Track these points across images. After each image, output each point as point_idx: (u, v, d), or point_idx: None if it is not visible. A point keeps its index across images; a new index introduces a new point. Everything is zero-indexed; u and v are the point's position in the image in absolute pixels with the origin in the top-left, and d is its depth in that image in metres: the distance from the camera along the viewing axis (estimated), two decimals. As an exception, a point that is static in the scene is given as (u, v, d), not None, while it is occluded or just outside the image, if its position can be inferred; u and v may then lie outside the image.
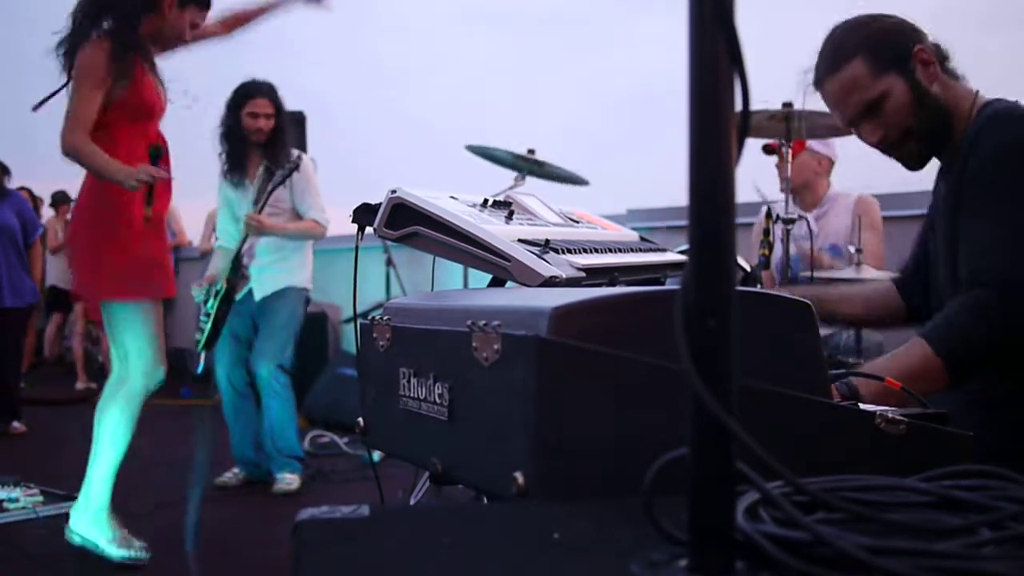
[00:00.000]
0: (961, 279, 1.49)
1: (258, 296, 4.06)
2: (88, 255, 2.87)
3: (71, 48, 2.86)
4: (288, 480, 3.96)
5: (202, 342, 3.77)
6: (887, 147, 1.66)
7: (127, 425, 2.83)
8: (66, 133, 2.79)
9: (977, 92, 1.64)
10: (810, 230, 2.90)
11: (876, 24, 1.63)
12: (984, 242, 1.46)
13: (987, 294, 1.41)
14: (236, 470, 4.11)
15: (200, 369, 4.01)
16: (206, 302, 3.82)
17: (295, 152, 4.08)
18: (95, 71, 2.80)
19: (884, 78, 1.59)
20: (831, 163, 3.46)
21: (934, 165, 1.71)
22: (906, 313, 1.81)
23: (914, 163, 1.67)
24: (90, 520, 2.78)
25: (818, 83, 1.67)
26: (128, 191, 2.77)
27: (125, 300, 2.84)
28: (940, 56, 1.64)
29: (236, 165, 4.07)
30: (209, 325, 3.76)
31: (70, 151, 2.79)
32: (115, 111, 2.84)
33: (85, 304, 3.05)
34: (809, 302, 1.00)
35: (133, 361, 2.84)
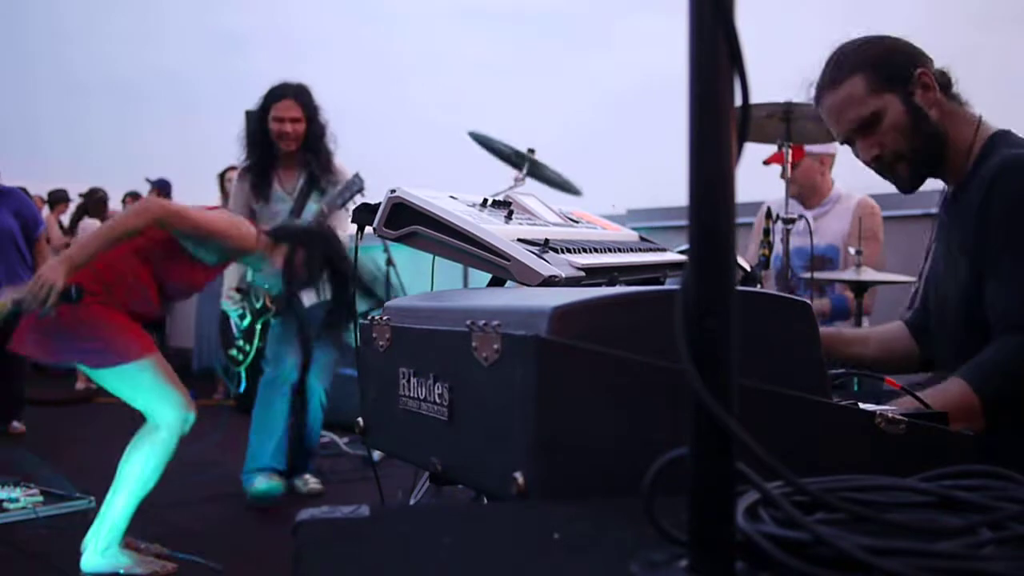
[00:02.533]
0: (989, 317, 1.48)
1: (307, 303, 3.83)
2: (63, 329, 2.69)
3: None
4: (316, 480, 3.94)
5: (247, 362, 3.66)
6: (879, 167, 1.67)
7: (157, 468, 2.78)
8: (168, 207, 2.75)
9: (980, 119, 1.63)
10: (810, 229, 2.90)
11: (881, 44, 1.63)
12: (1021, 286, 1.46)
13: None
14: (272, 475, 3.72)
15: (243, 387, 3.89)
16: (242, 317, 3.68)
17: (340, 167, 3.82)
18: (222, 229, 2.79)
19: (882, 96, 1.59)
20: (832, 158, 3.46)
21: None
22: (919, 355, 1.79)
23: (905, 186, 1.67)
24: (103, 552, 2.77)
25: (818, 97, 1.67)
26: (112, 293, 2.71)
27: (114, 366, 2.74)
28: (944, 82, 1.63)
29: (263, 178, 3.77)
30: (255, 347, 3.65)
31: (154, 213, 2.71)
32: (153, 244, 2.78)
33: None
34: (809, 302, 1.00)
35: (162, 414, 2.77)
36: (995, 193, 1.50)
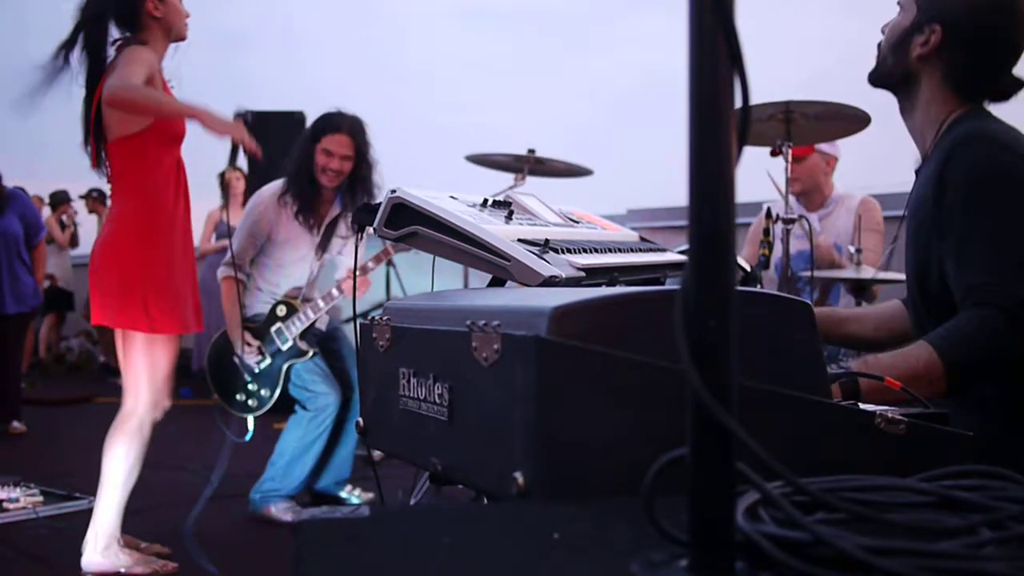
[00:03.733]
0: (957, 294, 1.49)
1: (324, 327, 3.64)
2: (119, 281, 2.74)
3: (95, 55, 2.74)
4: (358, 489, 3.76)
5: (263, 410, 3.37)
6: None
7: (135, 459, 2.79)
8: (119, 80, 2.59)
9: (967, 105, 1.63)
10: (810, 229, 2.89)
11: None
12: (988, 263, 1.46)
13: (997, 315, 1.42)
14: (290, 503, 3.50)
15: (251, 436, 3.41)
16: (260, 361, 3.40)
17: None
18: (146, 64, 2.69)
19: (915, 4, 1.63)
20: (836, 161, 3.47)
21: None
22: None
23: (870, 71, 1.72)
24: (102, 552, 2.77)
25: None
26: (166, 213, 2.72)
27: (152, 333, 2.77)
28: (958, 63, 1.60)
29: (309, 208, 3.43)
30: (278, 391, 3.36)
31: (124, 93, 2.58)
32: (150, 132, 2.73)
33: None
34: (809, 303, 1.00)
35: (143, 392, 2.78)
36: (951, 166, 1.51)
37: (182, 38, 2.86)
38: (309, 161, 3.39)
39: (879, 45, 1.71)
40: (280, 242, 3.49)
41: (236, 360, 3.42)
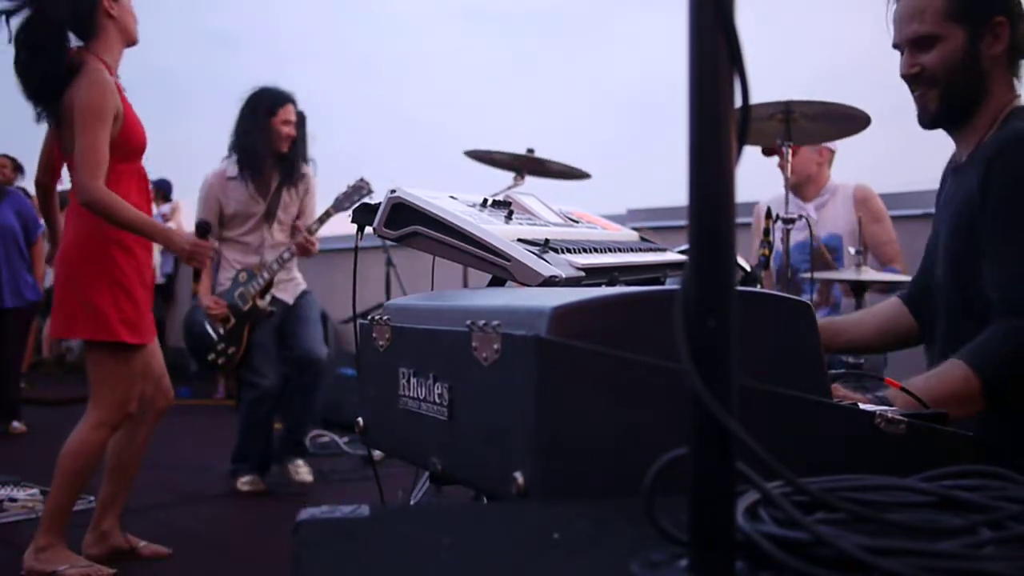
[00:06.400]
0: (991, 299, 1.46)
1: (291, 300, 4.06)
2: (71, 291, 2.73)
3: (52, 87, 2.63)
4: (306, 468, 4.14)
5: (231, 365, 3.80)
6: (912, 85, 1.62)
7: (88, 463, 2.76)
8: (87, 181, 2.56)
9: (1018, 96, 1.59)
10: (809, 226, 2.89)
11: None
12: (1022, 270, 1.43)
13: None
14: (252, 477, 3.99)
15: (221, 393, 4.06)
16: (225, 321, 3.82)
17: (307, 172, 4.04)
18: (104, 111, 2.61)
19: (949, 24, 1.55)
20: (832, 153, 3.47)
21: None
22: (918, 333, 1.76)
23: (925, 117, 1.62)
24: (39, 553, 2.72)
25: None
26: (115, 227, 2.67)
27: (101, 340, 2.75)
28: (1018, 42, 1.56)
29: (263, 179, 3.93)
30: (242, 348, 3.79)
31: (95, 202, 2.58)
32: (112, 150, 2.64)
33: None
34: (809, 303, 1.00)
35: (101, 399, 2.78)
36: (995, 170, 1.47)
37: (134, 42, 2.82)
38: (268, 134, 3.86)
39: (919, 87, 1.60)
40: (230, 216, 3.95)
41: (207, 326, 3.85)
